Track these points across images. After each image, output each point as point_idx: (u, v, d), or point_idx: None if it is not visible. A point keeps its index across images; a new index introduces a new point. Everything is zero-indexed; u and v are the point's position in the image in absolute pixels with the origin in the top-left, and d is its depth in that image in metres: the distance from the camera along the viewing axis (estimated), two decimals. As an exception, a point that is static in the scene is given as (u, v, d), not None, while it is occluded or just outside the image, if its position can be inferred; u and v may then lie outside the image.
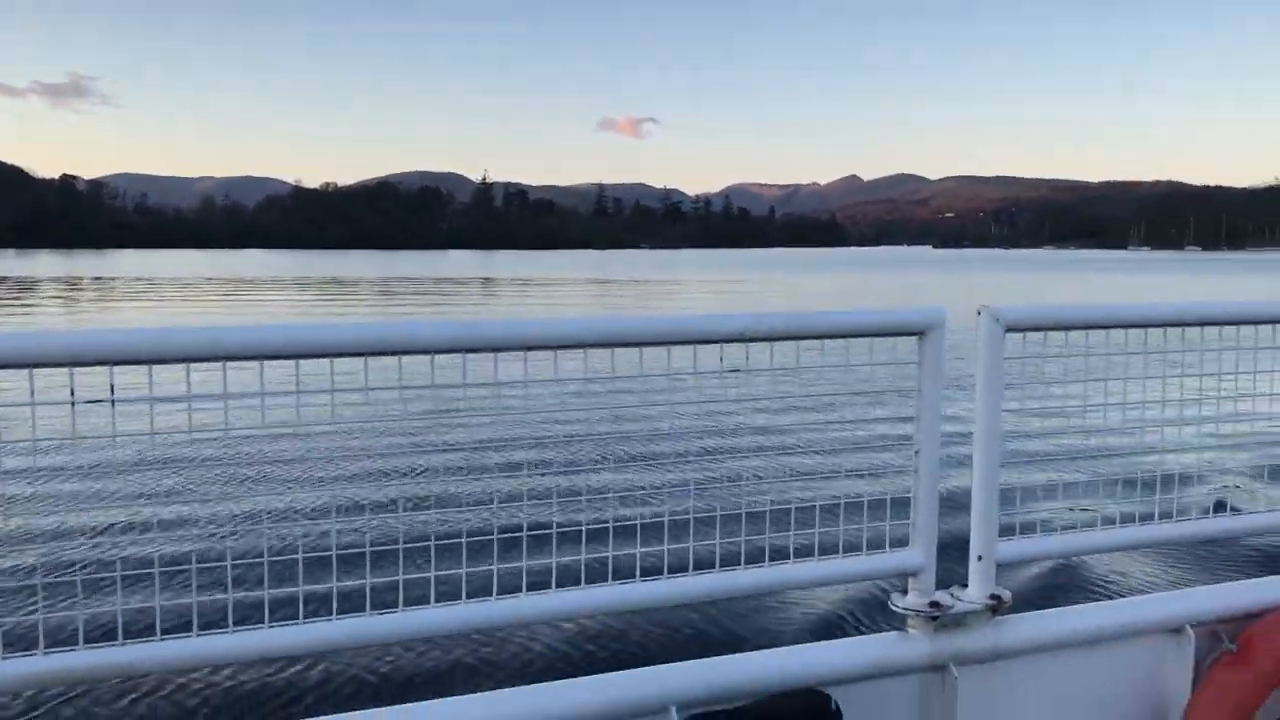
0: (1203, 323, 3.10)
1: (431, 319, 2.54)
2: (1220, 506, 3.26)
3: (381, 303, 50.49)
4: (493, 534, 2.46)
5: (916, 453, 2.80)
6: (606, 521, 2.61)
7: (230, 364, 2.16)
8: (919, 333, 2.76)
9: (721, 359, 2.64)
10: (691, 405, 2.65)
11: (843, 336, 2.72)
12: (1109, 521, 3.16)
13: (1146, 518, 3.14)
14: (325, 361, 2.23)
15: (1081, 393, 3.08)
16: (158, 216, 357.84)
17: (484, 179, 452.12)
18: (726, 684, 2.60)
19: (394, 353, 2.27)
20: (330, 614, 2.30)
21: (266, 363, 2.19)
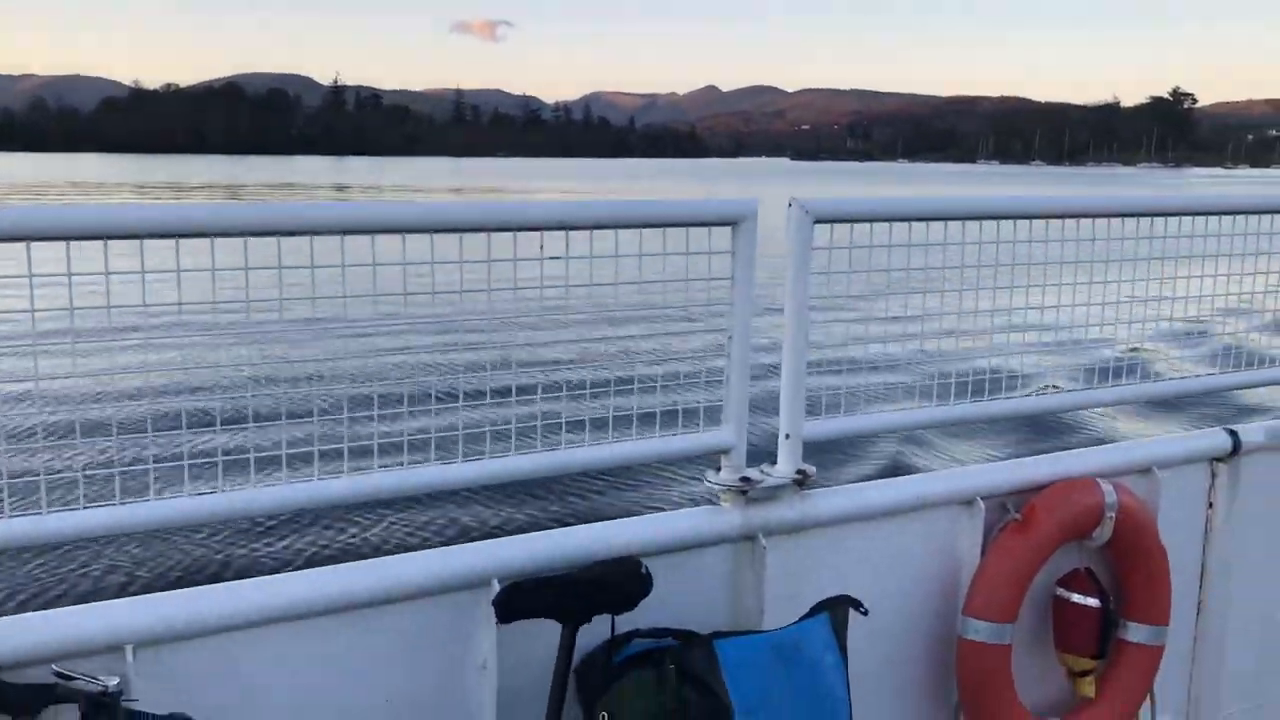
0: (1009, 215, 3.31)
1: (255, 203, 2.55)
2: (1013, 388, 3.51)
3: (227, 210, 48.57)
4: (313, 416, 2.51)
5: (730, 338, 2.94)
6: (429, 403, 2.69)
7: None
8: (732, 223, 2.88)
9: (542, 247, 2.71)
10: (509, 291, 2.72)
11: (659, 226, 2.81)
12: (914, 401, 3.39)
13: (945, 398, 3.37)
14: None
15: (889, 281, 3.27)
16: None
17: (335, 82, 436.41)
18: (547, 556, 2.71)
19: (213, 234, 2.28)
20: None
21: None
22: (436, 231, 2.54)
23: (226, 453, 2.37)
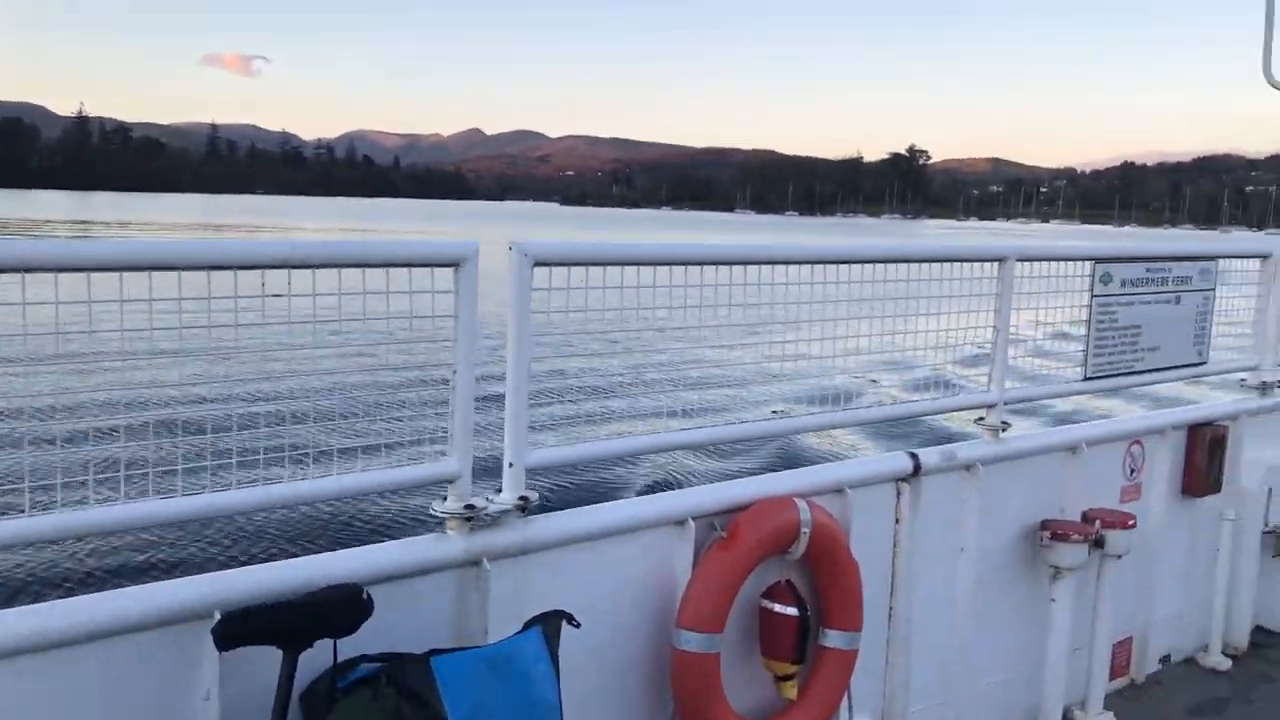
0: (712, 261, 3.65)
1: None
2: (721, 417, 3.84)
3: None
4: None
5: (454, 372, 3.10)
6: (145, 431, 2.69)
7: None
8: (455, 264, 3.05)
9: (264, 285, 2.78)
10: (233, 329, 2.77)
11: (382, 266, 2.95)
12: (631, 430, 3.65)
13: (659, 427, 3.65)
14: None
15: (615, 320, 3.53)
16: None
17: (80, 112, 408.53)
18: (271, 587, 2.75)
19: None
20: None
21: None
22: (154, 270, 2.57)
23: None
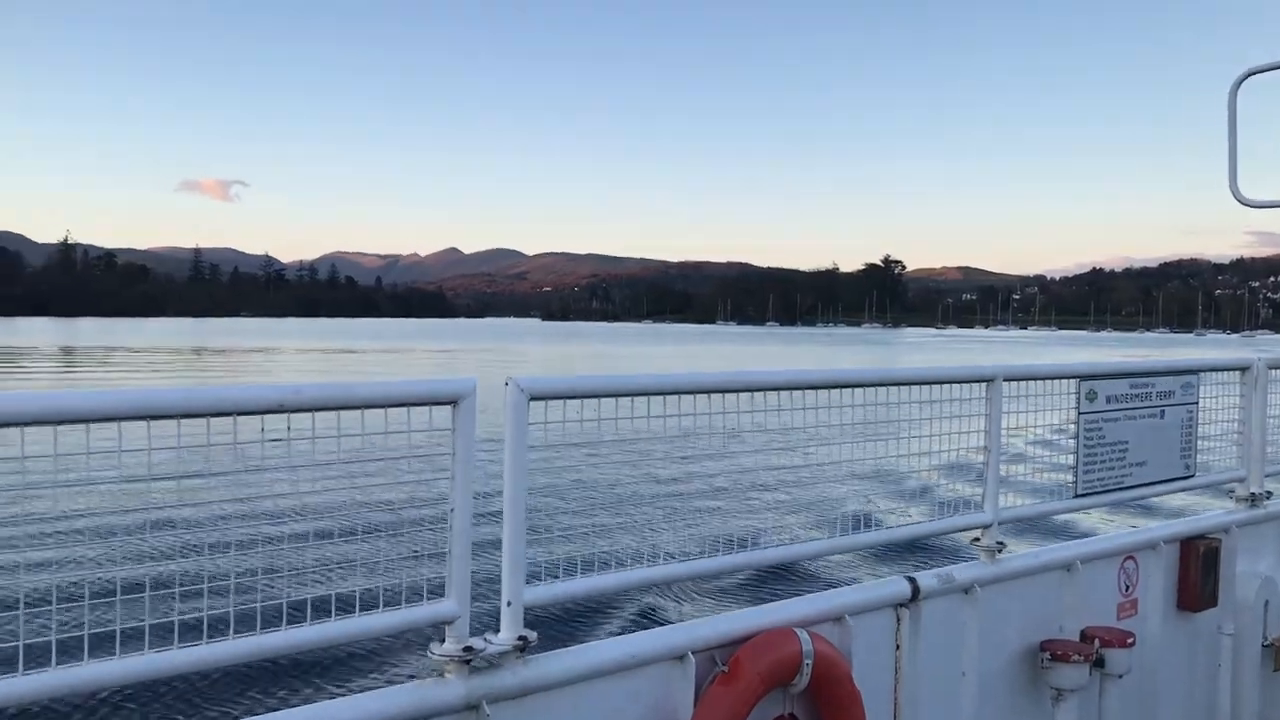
0: (708, 390, 3.68)
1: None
2: (719, 547, 3.82)
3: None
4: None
5: (452, 511, 3.08)
6: (142, 585, 2.67)
7: None
8: (452, 401, 3.06)
9: (263, 429, 2.79)
10: (230, 475, 2.77)
11: (381, 406, 2.96)
12: (629, 563, 3.62)
13: (655, 559, 3.63)
14: None
15: (609, 454, 3.54)
16: None
17: (65, 239, 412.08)
18: None
19: None
20: None
21: None
22: (154, 419, 2.57)
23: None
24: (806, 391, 4.00)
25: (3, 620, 2.46)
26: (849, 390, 4.13)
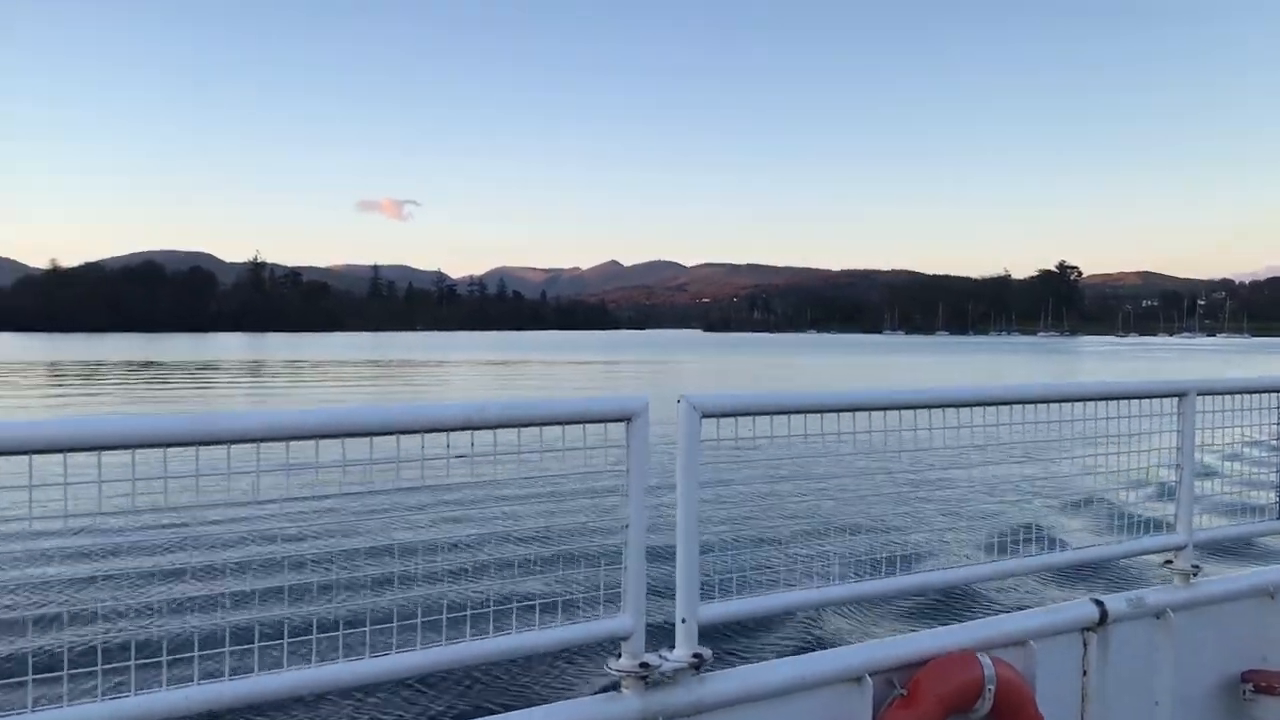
0: (883, 407, 3.61)
1: (166, 414, 2.66)
2: (895, 567, 3.74)
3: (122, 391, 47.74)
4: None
5: (626, 527, 3.12)
6: (334, 601, 2.79)
7: None
8: (626, 418, 3.10)
9: (449, 445, 2.88)
10: (423, 491, 2.88)
11: (559, 424, 3.02)
12: (802, 582, 3.58)
13: (831, 578, 3.58)
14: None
15: (779, 470, 3.52)
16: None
17: (256, 258, 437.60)
18: None
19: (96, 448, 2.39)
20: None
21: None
22: (347, 436, 2.70)
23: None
24: (986, 408, 3.88)
25: (260, 620, 2.62)
26: (1035, 408, 3.98)
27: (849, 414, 3.57)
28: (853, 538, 3.77)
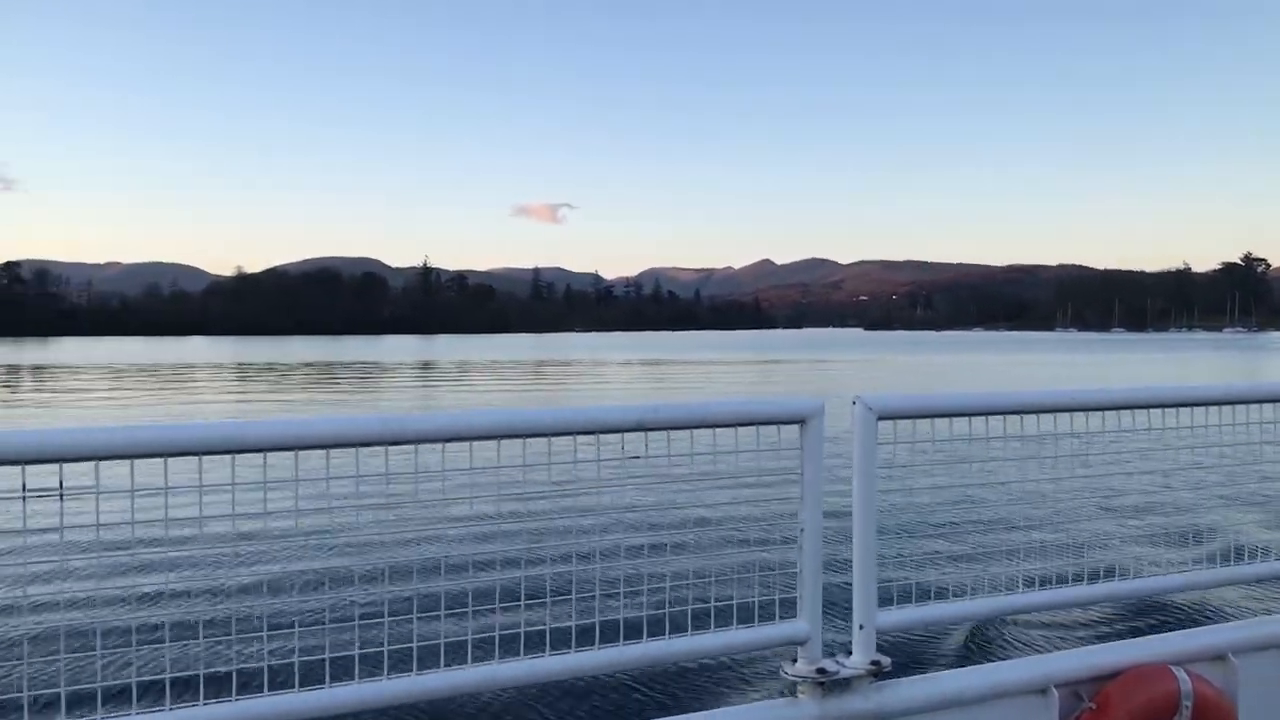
0: (1053, 409, 3.47)
1: (358, 415, 2.77)
2: (1081, 575, 3.58)
3: (323, 391, 50.07)
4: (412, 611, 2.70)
5: (801, 531, 3.09)
6: (517, 600, 2.86)
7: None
8: (800, 421, 3.07)
9: (623, 447, 2.92)
10: (592, 492, 2.92)
11: (732, 425, 3.02)
12: (983, 589, 3.47)
13: (1013, 586, 3.45)
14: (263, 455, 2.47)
15: (956, 474, 3.42)
16: (101, 303, 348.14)
17: (425, 263, 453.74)
18: None
19: (323, 446, 2.51)
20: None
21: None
22: (526, 437, 2.76)
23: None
24: (1180, 409, 3.67)
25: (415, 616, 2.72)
26: (1234, 409, 3.74)
27: (1032, 415, 3.45)
28: (1035, 544, 3.62)
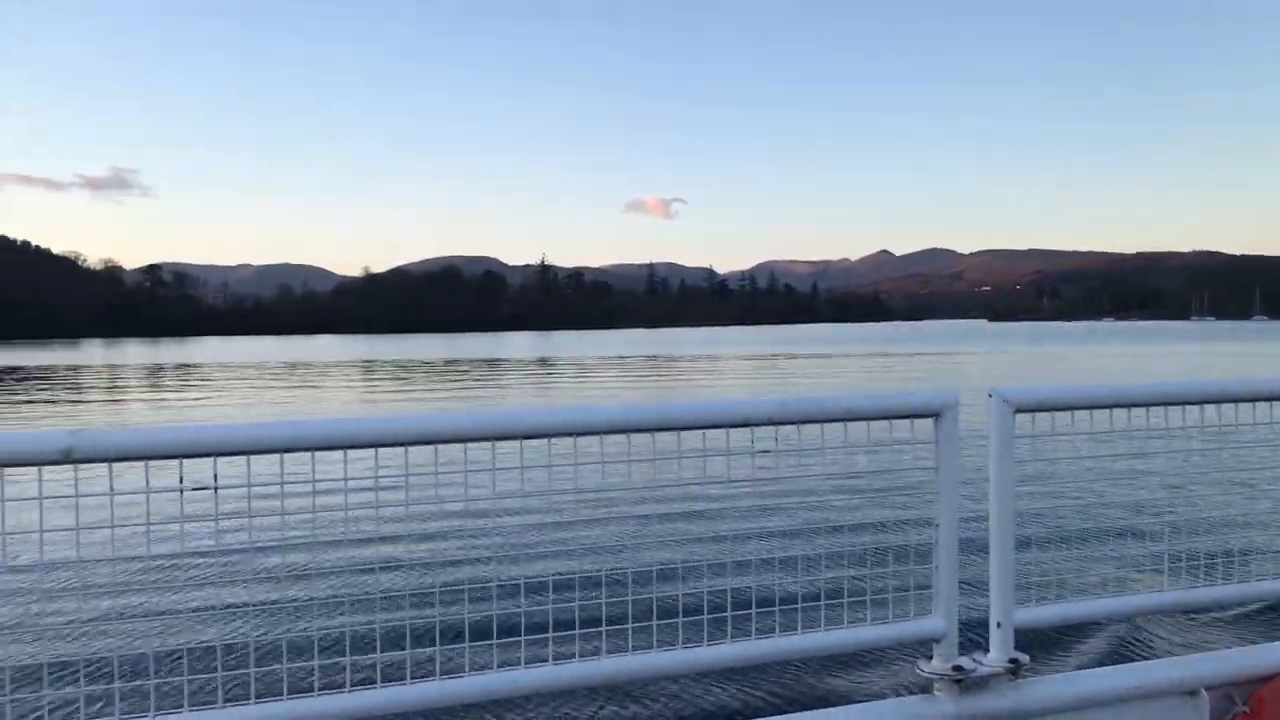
0: (1199, 401, 3.32)
1: (488, 410, 2.83)
2: (1232, 573, 3.43)
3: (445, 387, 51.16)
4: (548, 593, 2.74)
5: (937, 527, 3.03)
6: (649, 593, 2.88)
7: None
8: (935, 414, 3.01)
9: (753, 440, 2.90)
10: (722, 485, 2.92)
11: (864, 419, 2.97)
12: (1124, 586, 3.35)
13: (1157, 584, 3.33)
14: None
15: (1095, 468, 3.31)
16: (236, 304, 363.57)
17: (543, 260, 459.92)
18: None
19: (442, 441, 2.56)
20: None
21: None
22: (658, 430, 2.77)
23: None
24: None
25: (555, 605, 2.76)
26: None
27: (1177, 408, 3.32)
28: (1183, 541, 3.48)
